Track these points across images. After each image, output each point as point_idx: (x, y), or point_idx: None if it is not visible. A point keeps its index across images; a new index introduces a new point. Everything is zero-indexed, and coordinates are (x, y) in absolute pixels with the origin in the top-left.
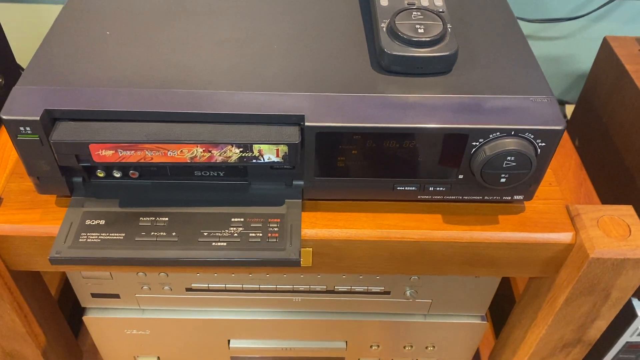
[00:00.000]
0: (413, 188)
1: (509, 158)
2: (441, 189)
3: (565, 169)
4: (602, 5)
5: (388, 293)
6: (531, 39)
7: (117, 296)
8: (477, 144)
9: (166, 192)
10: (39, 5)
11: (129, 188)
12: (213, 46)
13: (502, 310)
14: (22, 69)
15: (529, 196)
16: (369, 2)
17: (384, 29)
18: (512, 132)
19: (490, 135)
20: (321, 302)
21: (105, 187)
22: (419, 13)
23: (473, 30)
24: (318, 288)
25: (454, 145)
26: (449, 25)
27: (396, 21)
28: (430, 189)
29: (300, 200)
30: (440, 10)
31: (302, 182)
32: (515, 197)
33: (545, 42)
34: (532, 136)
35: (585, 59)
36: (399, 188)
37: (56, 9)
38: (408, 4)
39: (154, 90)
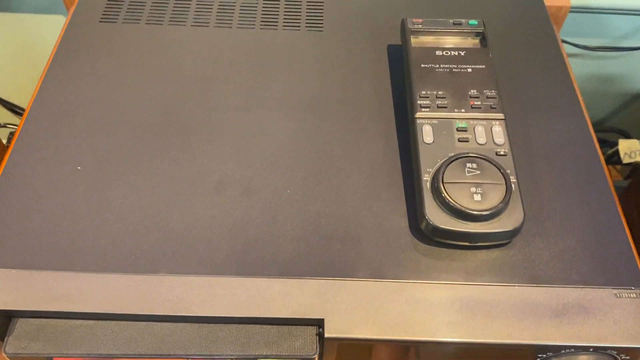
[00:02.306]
0: None
1: None
2: None
3: None
4: None
5: None
6: (582, 58)
7: None
8: (545, 356)
9: None
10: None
11: None
12: (211, 193)
13: None
14: None
15: None
16: (409, 130)
17: (428, 184)
18: (590, 349)
19: (562, 351)
20: None
21: None
22: (474, 165)
23: (539, 172)
24: None
25: (515, 356)
26: (512, 180)
27: (444, 179)
28: None
29: None
30: (502, 152)
31: None
32: None
33: (598, 60)
34: (615, 352)
35: None
36: None
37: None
38: (460, 140)
39: (135, 278)
